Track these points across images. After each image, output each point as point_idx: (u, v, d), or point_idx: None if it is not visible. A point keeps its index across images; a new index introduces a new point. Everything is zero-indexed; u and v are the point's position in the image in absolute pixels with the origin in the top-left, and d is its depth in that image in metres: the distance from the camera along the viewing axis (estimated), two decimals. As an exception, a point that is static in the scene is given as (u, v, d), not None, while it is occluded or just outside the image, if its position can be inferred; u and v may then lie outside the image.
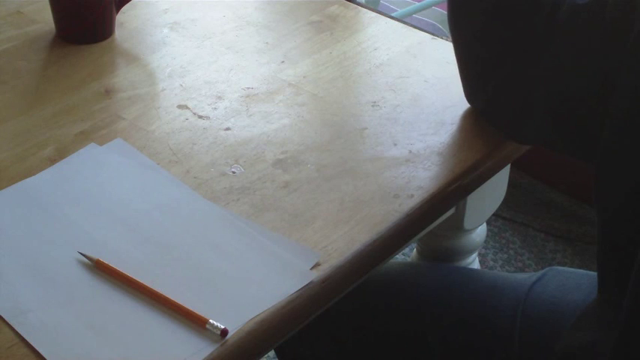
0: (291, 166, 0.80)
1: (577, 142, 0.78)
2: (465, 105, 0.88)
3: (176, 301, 0.65)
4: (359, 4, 1.06)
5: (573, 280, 0.94)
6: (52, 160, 0.80)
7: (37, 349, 0.62)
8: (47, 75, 0.92)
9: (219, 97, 0.89)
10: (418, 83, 0.92)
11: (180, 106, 0.87)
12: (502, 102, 0.82)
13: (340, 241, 0.72)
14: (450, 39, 0.87)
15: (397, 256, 1.09)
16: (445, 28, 2.12)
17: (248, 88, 0.91)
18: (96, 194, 0.76)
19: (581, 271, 0.98)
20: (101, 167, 0.79)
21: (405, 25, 1.02)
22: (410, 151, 0.82)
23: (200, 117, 0.86)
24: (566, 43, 0.74)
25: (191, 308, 0.65)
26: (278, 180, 0.78)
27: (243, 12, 1.04)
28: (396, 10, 2.17)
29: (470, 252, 1.05)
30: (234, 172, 0.79)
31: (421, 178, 0.79)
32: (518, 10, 0.78)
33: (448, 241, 1.03)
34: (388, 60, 0.96)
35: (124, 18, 1.01)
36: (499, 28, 0.79)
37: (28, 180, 0.77)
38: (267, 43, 0.98)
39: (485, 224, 1.05)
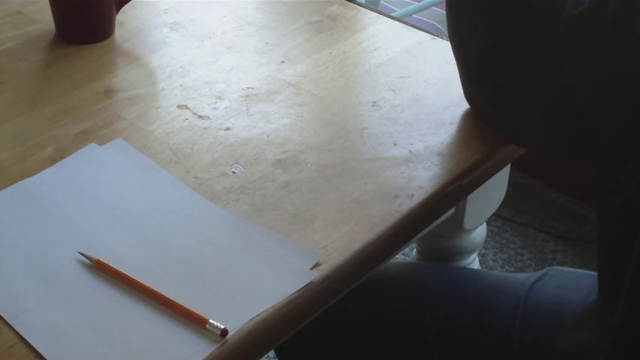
0: (291, 166, 0.80)
1: (578, 146, 0.78)
2: (465, 105, 0.88)
3: (176, 301, 0.65)
4: (359, 4, 1.06)
5: (573, 280, 0.94)
6: (52, 160, 0.80)
7: (37, 349, 0.62)
8: (47, 75, 0.92)
9: (219, 97, 0.89)
10: (418, 83, 0.92)
11: (180, 106, 0.87)
12: (501, 105, 0.82)
13: (340, 241, 0.72)
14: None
15: (397, 256, 1.09)
16: (444, 29, 2.13)
17: (248, 88, 0.91)
18: (96, 194, 0.76)
19: (581, 271, 0.98)
20: (101, 167, 0.79)
21: (405, 25, 1.02)
22: (410, 151, 0.82)
23: (200, 117, 0.86)
24: (567, 45, 0.74)
25: (191, 308, 0.65)
26: (278, 180, 0.78)
27: (243, 12, 1.04)
28: (396, 10, 2.17)
29: (470, 252, 1.05)
30: (234, 172, 0.79)
31: (421, 178, 0.79)
32: (510, 9, 0.78)
33: (448, 241, 1.03)
34: (388, 60, 0.96)
35: (124, 18, 1.01)
36: (495, 27, 0.79)
37: (28, 180, 0.77)
38: (267, 43, 0.98)
39: (485, 224, 1.05)
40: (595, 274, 0.79)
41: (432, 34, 1.00)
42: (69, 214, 0.74)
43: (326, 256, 0.70)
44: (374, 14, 1.04)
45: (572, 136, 0.78)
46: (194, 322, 0.64)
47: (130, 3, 0.99)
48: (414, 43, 0.99)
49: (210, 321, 0.64)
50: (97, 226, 0.73)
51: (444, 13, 0.85)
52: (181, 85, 0.91)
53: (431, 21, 2.28)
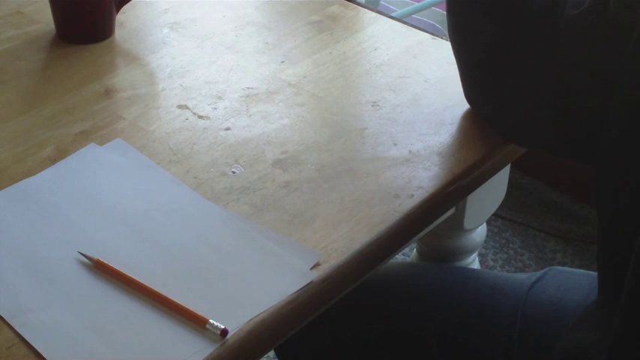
0: (291, 166, 0.80)
1: (578, 145, 0.78)
2: (465, 105, 0.88)
3: (176, 301, 0.65)
4: (359, 4, 1.06)
5: (573, 280, 0.94)
6: (52, 160, 0.80)
7: (37, 349, 0.62)
8: (47, 75, 0.92)
9: (219, 97, 0.89)
10: (418, 83, 0.92)
11: (180, 106, 0.87)
12: (501, 105, 0.82)
13: (340, 241, 0.72)
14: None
15: (397, 256, 1.09)
16: (445, 29, 2.13)
17: (248, 88, 0.91)
18: (96, 194, 0.76)
19: (581, 271, 0.98)
20: (101, 167, 0.79)
21: (405, 25, 1.02)
22: (410, 151, 0.82)
23: (200, 117, 0.86)
24: (567, 45, 0.74)
25: (191, 308, 0.65)
26: (278, 180, 0.78)
27: (243, 12, 1.04)
28: (396, 10, 2.17)
29: (470, 252, 1.05)
30: (234, 172, 0.79)
31: (421, 178, 0.79)
32: (510, 9, 0.78)
33: (448, 241, 1.03)
34: (388, 60, 0.96)
35: (124, 18, 1.01)
36: (496, 27, 0.79)
37: (28, 180, 0.77)
38: (267, 43, 0.98)
39: (485, 224, 1.05)
40: (595, 274, 0.79)
41: (432, 34, 1.00)
42: (69, 214, 0.74)
43: (326, 256, 0.70)
44: (374, 14, 1.04)
45: (572, 136, 0.78)
46: (194, 322, 0.64)
47: (130, 3, 0.99)
48: (414, 43, 0.99)
49: (210, 321, 0.64)
50: (97, 226, 0.73)
51: (444, 13, 0.85)
52: (181, 85, 0.91)
53: (431, 21, 2.28)
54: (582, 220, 1.98)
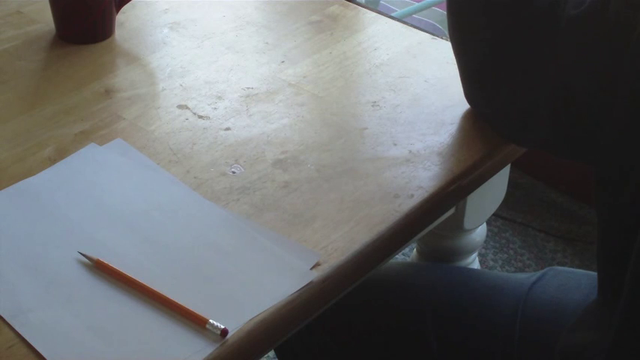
0: (291, 166, 0.80)
1: (578, 145, 0.78)
2: (465, 105, 0.88)
3: (176, 301, 0.65)
4: (359, 4, 1.07)
5: (573, 280, 0.94)
6: (52, 160, 0.80)
7: (37, 349, 0.62)
8: (47, 75, 0.92)
9: (219, 97, 0.89)
10: (418, 83, 0.92)
11: (180, 106, 0.87)
12: (502, 105, 0.82)
13: (340, 241, 0.72)
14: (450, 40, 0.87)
15: (397, 256, 1.09)
16: (445, 29, 2.12)
17: (248, 88, 0.91)
18: (96, 194, 0.76)
19: (581, 271, 0.98)
20: (101, 167, 0.79)
21: (405, 25, 1.02)
22: (410, 151, 0.82)
23: (200, 117, 0.86)
24: (567, 45, 0.74)
25: (191, 308, 0.65)
26: (278, 180, 0.78)
27: (243, 12, 1.04)
28: (396, 10, 2.17)
29: (470, 252, 1.06)
30: (234, 172, 0.79)
31: (421, 178, 0.79)
32: (511, 9, 0.78)
33: (448, 241, 1.03)
34: (388, 60, 0.96)
35: (124, 18, 1.01)
36: (496, 26, 0.79)
37: (28, 180, 0.77)
38: (267, 43, 0.98)
39: (485, 224, 1.05)
40: (595, 274, 0.79)
41: (432, 34, 1.00)
42: (69, 214, 0.74)
43: (326, 256, 0.70)
44: (374, 14, 1.04)
45: (572, 136, 0.78)
46: (194, 322, 0.64)
47: (130, 3, 0.99)
48: (414, 43, 0.99)
49: (210, 321, 0.64)
50: (97, 226, 0.73)
51: (444, 13, 0.85)
52: (181, 85, 0.91)
53: (431, 21, 2.28)
54: (582, 220, 1.98)
